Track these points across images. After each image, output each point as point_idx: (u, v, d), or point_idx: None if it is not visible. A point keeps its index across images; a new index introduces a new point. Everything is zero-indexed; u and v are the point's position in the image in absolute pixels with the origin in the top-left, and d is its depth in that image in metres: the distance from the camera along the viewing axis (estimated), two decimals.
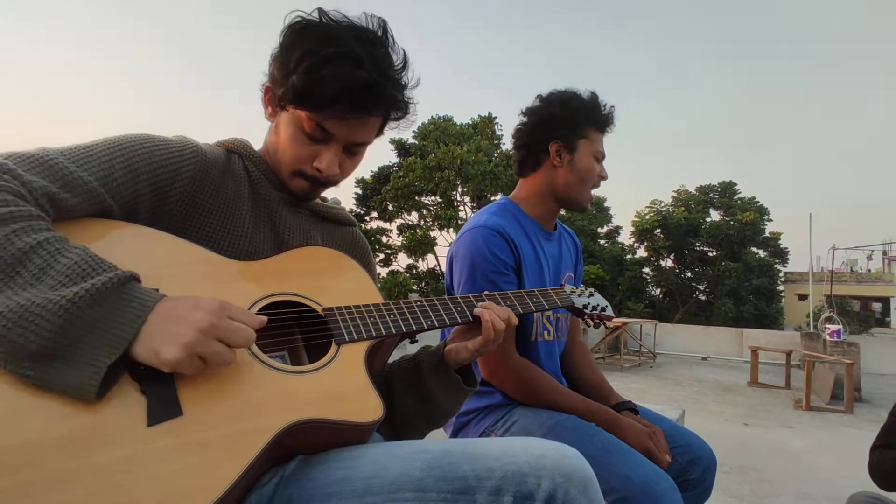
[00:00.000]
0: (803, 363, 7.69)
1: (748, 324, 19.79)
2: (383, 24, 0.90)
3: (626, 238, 25.65)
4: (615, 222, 26.51)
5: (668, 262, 24.41)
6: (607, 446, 1.23)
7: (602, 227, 25.48)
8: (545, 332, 1.52)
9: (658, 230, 23.53)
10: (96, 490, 0.56)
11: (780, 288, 26.13)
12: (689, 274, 24.23)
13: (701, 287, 24.25)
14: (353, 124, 0.89)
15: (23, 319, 0.57)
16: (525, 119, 1.58)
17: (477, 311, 0.96)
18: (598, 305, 1.27)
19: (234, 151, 0.96)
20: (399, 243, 20.62)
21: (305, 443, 0.72)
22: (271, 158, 0.97)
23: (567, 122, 1.51)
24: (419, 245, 20.04)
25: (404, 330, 0.88)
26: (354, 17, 0.89)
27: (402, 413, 0.99)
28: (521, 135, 1.58)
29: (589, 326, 1.30)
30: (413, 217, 21.23)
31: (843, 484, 3.63)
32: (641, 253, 24.80)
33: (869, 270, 34.65)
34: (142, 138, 0.83)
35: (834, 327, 8.66)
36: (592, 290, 1.30)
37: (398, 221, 21.36)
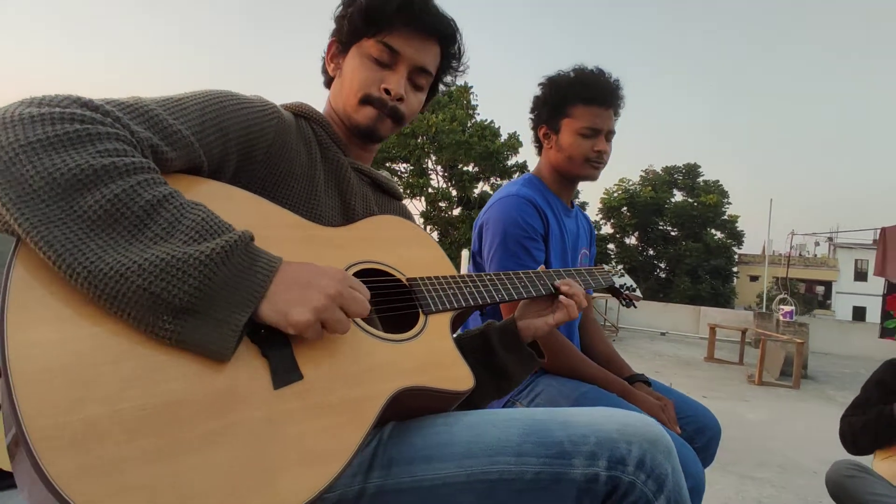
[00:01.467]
0: (756, 341, 8.13)
1: (704, 302, 20.71)
2: None
3: (591, 213, 26.18)
4: (582, 197, 27.01)
5: (632, 240, 25.10)
6: None
7: None
8: None
9: (625, 208, 24.08)
10: (243, 448, 0.56)
11: (735, 269, 27.30)
12: (651, 252, 25.02)
13: (662, 265, 25.10)
14: (416, 44, 0.92)
15: (165, 273, 0.55)
16: (532, 104, 1.64)
17: (563, 286, 1.01)
18: (630, 286, 1.33)
19: (302, 115, 0.94)
20: None
21: (403, 408, 0.74)
22: (336, 117, 0.97)
23: (549, 104, 1.55)
24: None
25: (480, 302, 0.90)
26: None
27: (477, 386, 1.01)
28: (530, 118, 1.65)
29: (622, 305, 1.35)
30: None
31: (794, 453, 3.93)
32: (607, 230, 25.39)
33: (815, 255, 36.44)
34: (229, 95, 0.80)
35: (787, 308, 9.15)
36: (622, 270, 1.35)
37: None
